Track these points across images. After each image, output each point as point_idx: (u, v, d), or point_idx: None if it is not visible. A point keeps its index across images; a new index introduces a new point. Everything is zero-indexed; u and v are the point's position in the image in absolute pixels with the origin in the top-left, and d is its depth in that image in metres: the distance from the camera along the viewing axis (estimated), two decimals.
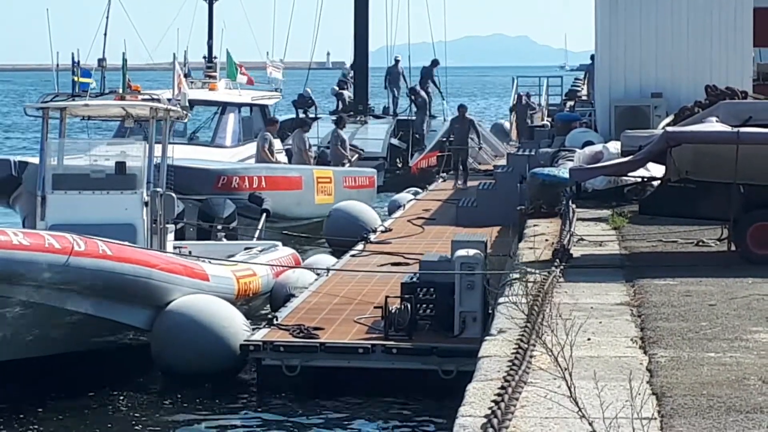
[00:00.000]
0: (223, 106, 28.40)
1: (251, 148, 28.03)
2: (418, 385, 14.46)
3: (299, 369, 14.76)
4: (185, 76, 29.89)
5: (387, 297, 15.11)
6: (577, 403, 6.93)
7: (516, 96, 44.04)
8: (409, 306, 14.77)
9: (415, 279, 15.36)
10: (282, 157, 28.66)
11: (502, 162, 32.37)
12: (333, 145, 31.16)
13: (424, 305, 14.96)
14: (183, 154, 25.02)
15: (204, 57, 32.17)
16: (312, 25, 39.02)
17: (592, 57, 38.13)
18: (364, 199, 29.63)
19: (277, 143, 28.56)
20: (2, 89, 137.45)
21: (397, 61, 40.84)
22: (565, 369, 7.10)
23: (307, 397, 14.61)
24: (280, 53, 36.37)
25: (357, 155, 32.56)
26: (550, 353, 7.40)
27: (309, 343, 14.91)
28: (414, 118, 38.14)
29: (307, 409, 14.40)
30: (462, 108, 33.23)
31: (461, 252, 14.61)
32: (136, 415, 14.36)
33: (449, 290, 14.63)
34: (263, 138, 27.94)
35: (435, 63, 40.40)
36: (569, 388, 6.97)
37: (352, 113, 38.15)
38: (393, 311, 14.88)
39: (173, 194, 17.73)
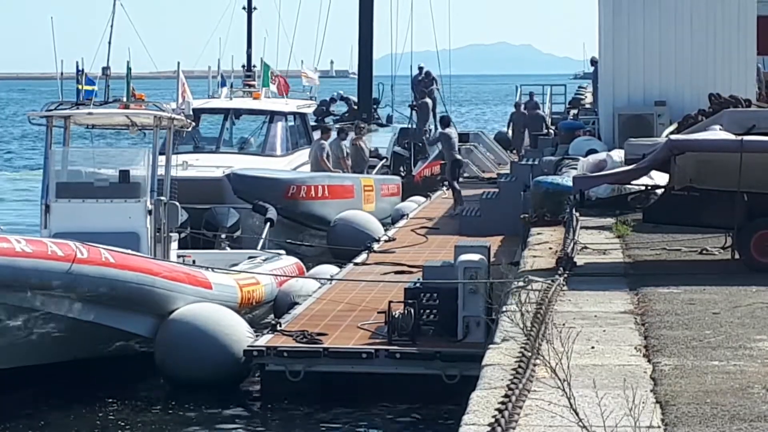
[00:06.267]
0: (271, 115, 28.38)
1: (299, 156, 28.06)
2: (422, 390, 14.47)
3: (303, 374, 14.77)
4: (222, 85, 29.97)
5: (390, 302, 15.13)
6: (577, 414, 6.93)
7: (522, 104, 43.92)
8: (412, 311, 14.78)
9: (418, 284, 15.39)
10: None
11: (506, 170, 32.35)
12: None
13: (428, 310, 14.97)
14: (236, 163, 25.03)
15: (243, 66, 32.13)
16: (315, 33, 39.03)
17: (593, 62, 38.09)
18: (393, 206, 29.91)
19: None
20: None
21: (420, 69, 40.78)
22: (564, 380, 7.10)
23: (311, 403, 14.62)
24: (309, 61, 36.27)
25: (381, 161, 32.71)
26: (547, 365, 7.41)
27: (312, 348, 14.93)
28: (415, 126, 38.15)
29: (311, 415, 14.42)
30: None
31: (464, 256, 14.62)
32: (140, 423, 14.36)
33: (452, 295, 14.65)
34: (320, 147, 28.10)
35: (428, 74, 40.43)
36: (568, 399, 6.97)
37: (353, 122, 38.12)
38: (396, 316, 14.89)
39: (177, 203, 17.74)
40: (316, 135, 30.07)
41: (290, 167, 27.22)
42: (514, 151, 41.20)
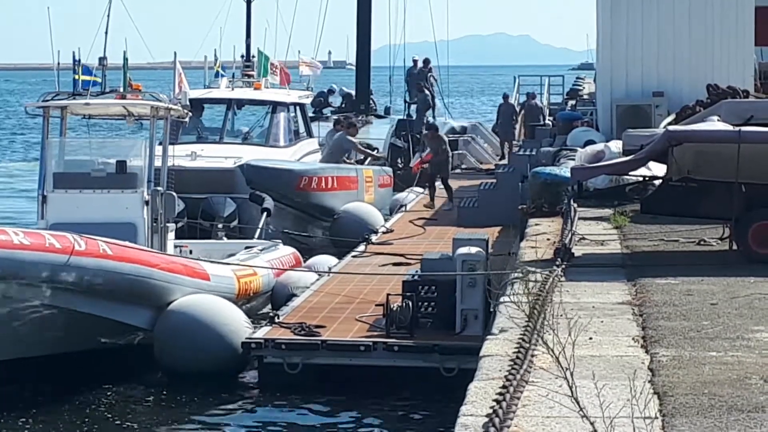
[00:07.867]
0: (274, 106, 28.34)
1: (301, 147, 28.08)
2: (420, 383, 14.46)
3: (301, 367, 14.77)
4: (217, 76, 29.91)
5: (388, 295, 15.11)
6: (578, 403, 6.92)
7: (520, 96, 43.72)
8: (410, 304, 14.76)
9: (416, 277, 15.36)
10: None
11: (503, 161, 32.33)
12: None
13: (426, 303, 14.95)
14: (243, 154, 25.03)
15: (242, 56, 32.10)
16: (314, 24, 38.98)
17: None
18: (388, 197, 30.00)
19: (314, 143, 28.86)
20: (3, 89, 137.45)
21: (415, 62, 40.70)
22: (567, 369, 7.08)
23: (309, 395, 14.61)
24: (305, 52, 36.18)
25: (373, 153, 32.74)
26: (551, 353, 7.39)
27: (310, 340, 14.91)
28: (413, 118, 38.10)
29: (309, 407, 14.41)
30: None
31: (463, 249, 14.60)
32: (139, 414, 14.36)
33: (451, 288, 14.63)
34: (344, 140, 28.26)
35: (426, 62, 40.28)
36: (570, 388, 6.95)
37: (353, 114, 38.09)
38: (394, 309, 14.87)
39: (174, 193, 17.70)
40: (314, 126, 30.10)
41: (294, 158, 27.25)
42: (507, 144, 41.00)
